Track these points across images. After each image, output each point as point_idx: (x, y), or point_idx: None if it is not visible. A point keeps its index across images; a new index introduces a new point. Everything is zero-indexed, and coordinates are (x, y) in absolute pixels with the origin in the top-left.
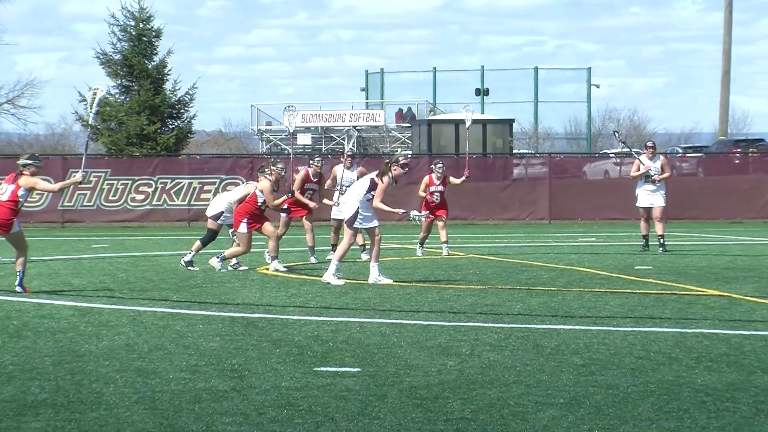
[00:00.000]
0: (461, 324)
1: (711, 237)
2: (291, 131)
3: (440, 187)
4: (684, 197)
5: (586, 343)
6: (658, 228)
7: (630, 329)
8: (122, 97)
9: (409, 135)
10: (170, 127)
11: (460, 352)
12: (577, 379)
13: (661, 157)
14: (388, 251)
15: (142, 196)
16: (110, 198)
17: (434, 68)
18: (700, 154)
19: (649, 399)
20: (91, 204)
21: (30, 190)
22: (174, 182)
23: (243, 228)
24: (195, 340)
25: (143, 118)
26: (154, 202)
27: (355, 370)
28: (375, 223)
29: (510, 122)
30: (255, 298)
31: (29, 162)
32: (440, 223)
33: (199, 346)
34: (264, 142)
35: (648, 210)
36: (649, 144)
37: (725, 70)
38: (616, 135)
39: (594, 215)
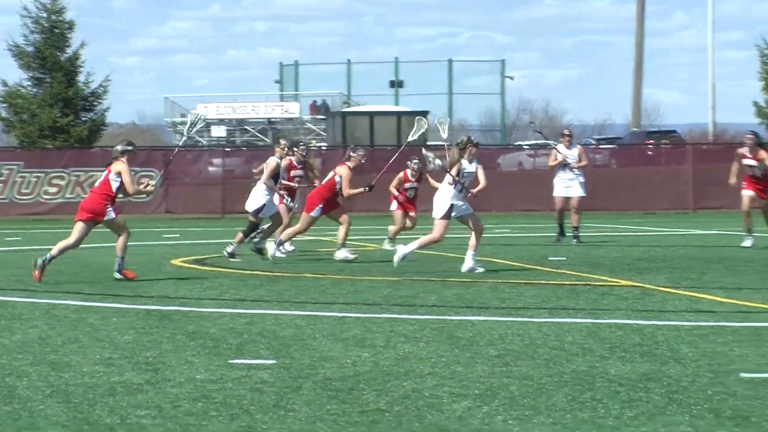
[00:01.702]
0: (376, 316)
1: (624, 228)
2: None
3: (415, 184)
4: (597, 188)
5: (501, 334)
6: (574, 219)
7: (544, 320)
8: (35, 90)
9: (324, 127)
10: (83, 119)
11: (374, 344)
12: (492, 370)
13: (578, 146)
14: (304, 243)
15: (55, 189)
16: (23, 191)
17: (348, 60)
18: (613, 146)
19: (563, 389)
20: (4, 197)
21: (119, 175)
22: (87, 175)
23: (317, 212)
24: (109, 333)
25: (56, 110)
26: (67, 195)
27: (270, 362)
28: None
29: (424, 114)
30: (170, 290)
31: (128, 148)
32: (408, 222)
33: (113, 339)
34: (178, 135)
35: (565, 200)
36: (566, 132)
37: (638, 62)
38: (532, 125)
39: (508, 206)
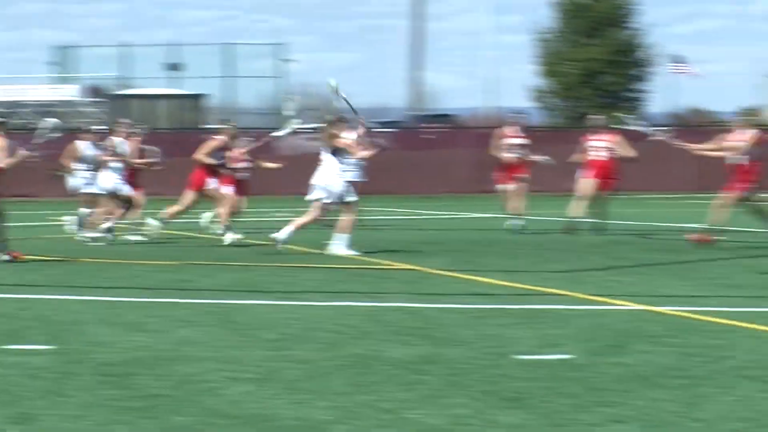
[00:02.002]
0: (153, 300)
1: (402, 212)
2: None
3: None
4: (376, 171)
5: (279, 318)
6: None
7: (323, 304)
8: None
9: (101, 110)
10: None
11: (151, 329)
12: (270, 354)
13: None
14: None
15: None
16: None
17: (125, 43)
18: (393, 129)
19: (342, 373)
20: None
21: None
22: None
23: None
24: None
25: None
26: None
27: (45, 347)
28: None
29: (202, 97)
30: None
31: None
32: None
33: None
34: None
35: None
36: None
37: (415, 46)
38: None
39: (291, 189)
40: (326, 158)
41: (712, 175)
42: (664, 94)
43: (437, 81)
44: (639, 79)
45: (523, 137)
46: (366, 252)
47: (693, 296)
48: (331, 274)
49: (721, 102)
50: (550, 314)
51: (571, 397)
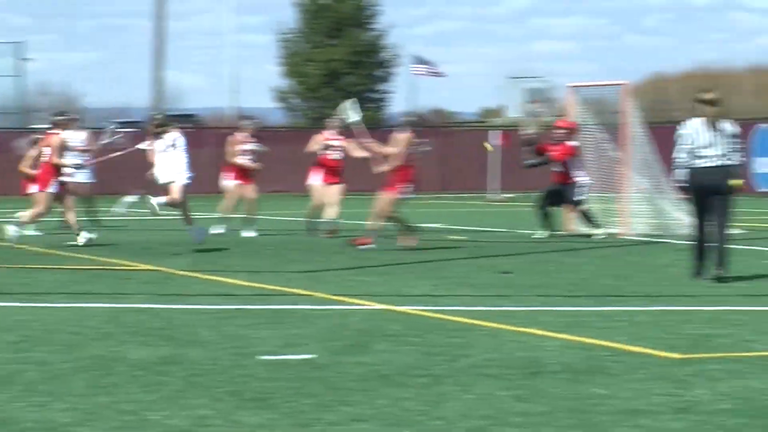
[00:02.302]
0: None
1: (144, 212)
2: None
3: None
4: (119, 172)
5: (18, 320)
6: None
7: (64, 305)
8: None
9: None
10: None
11: None
12: (9, 356)
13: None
14: None
15: None
16: None
17: None
18: (134, 129)
19: (82, 374)
20: None
21: None
22: None
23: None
24: None
25: None
26: None
27: None
28: None
29: None
30: None
31: None
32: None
33: None
34: None
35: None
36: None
37: (157, 45)
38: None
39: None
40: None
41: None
42: (406, 94)
43: (180, 81)
44: (382, 79)
45: (255, 142)
46: (109, 253)
47: (433, 295)
48: (72, 275)
49: (463, 103)
50: (293, 314)
51: (314, 396)
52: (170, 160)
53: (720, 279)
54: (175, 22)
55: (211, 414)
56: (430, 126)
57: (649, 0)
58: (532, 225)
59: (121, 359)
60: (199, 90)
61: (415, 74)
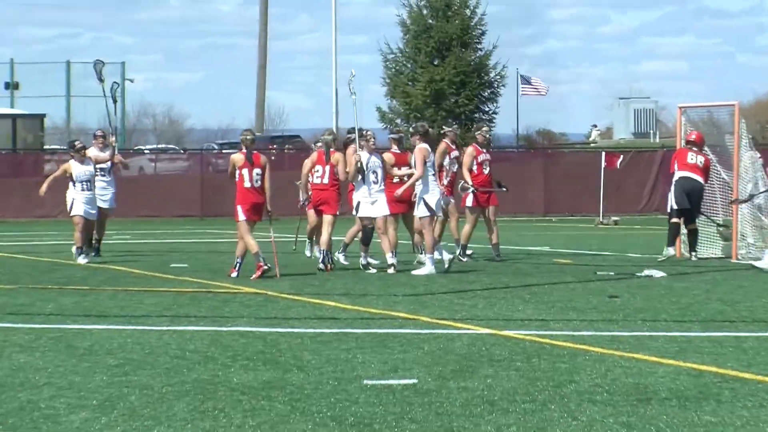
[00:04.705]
0: None
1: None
2: None
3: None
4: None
5: (120, 343)
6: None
7: (165, 328)
8: None
9: None
10: None
11: None
12: (111, 380)
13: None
14: None
15: None
16: None
17: None
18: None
19: (184, 399)
20: None
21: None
22: None
23: None
24: None
25: None
26: None
27: None
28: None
29: (41, 117)
30: None
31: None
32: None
33: None
34: None
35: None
36: (98, 133)
37: (261, 65)
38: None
39: (128, 212)
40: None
41: None
42: (512, 114)
43: (282, 100)
44: (489, 100)
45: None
46: (211, 275)
47: (539, 320)
48: (174, 298)
49: (570, 123)
50: (397, 338)
51: (417, 422)
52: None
53: None
54: (278, 41)
55: None
56: (538, 147)
57: (764, 19)
58: (641, 248)
59: (224, 383)
60: (302, 110)
61: (524, 94)
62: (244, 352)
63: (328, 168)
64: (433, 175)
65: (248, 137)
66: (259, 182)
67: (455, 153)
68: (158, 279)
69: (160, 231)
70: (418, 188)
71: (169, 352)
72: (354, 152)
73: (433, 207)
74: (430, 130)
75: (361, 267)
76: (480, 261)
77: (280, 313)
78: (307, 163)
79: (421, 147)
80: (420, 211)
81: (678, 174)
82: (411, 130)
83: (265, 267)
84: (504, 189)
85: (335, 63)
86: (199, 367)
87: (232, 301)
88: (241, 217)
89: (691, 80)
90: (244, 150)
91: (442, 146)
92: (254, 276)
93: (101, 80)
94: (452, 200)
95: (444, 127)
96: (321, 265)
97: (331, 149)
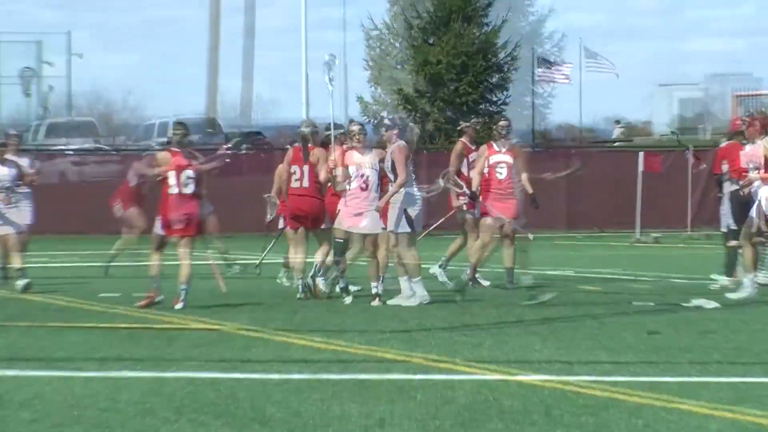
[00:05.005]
0: None
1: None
2: None
3: None
4: None
5: (37, 392)
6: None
7: (93, 374)
8: None
9: None
10: None
11: None
12: None
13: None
14: None
15: None
16: None
17: None
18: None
19: None
20: None
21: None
22: None
23: None
24: None
25: None
26: None
27: None
28: None
29: None
30: None
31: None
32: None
33: None
34: None
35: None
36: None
37: (213, 46)
38: None
39: (46, 228)
40: None
41: None
42: (527, 105)
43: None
44: (498, 88)
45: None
46: (151, 308)
47: (560, 362)
48: (105, 335)
49: (597, 115)
50: (383, 385)
51: None
52: None
53: None
54: (236, 16)
55: None
56: (559, 146)
57: None
58: (687, 271)
59: None
60: (265, 102)
61: (540, 80)
62: (192, 403)
63: (307, 168)
64: (414, 180)
65: (178, 131)
66: (191, 188)
67: (474, 155)
68: (84, 311)
69: (87, 251)
70: (397, 197)
71: (98, 404)
72: (342, 153)
73: (414, 222)
74: (412, 125)
75: (338, 291)
76: (488, 288)
77: (238, 354)
78: (282, 169)
79: (402, 145)
80: (399, 226)
81: (732, 184)
82: (387, 122)
83: (157, 299)
84: (535, 205)
85: (305, 43)
86: (135, 423)
87: (178, 338)
88: (159, 230)
89: (754, 63)
90: (175, 149)
91: (458, 146)
92: (140, 303)
93: (27, 95)
94: (470, 215)
95: (461, 122)
96: (301, 294)
97: (310, 144)
